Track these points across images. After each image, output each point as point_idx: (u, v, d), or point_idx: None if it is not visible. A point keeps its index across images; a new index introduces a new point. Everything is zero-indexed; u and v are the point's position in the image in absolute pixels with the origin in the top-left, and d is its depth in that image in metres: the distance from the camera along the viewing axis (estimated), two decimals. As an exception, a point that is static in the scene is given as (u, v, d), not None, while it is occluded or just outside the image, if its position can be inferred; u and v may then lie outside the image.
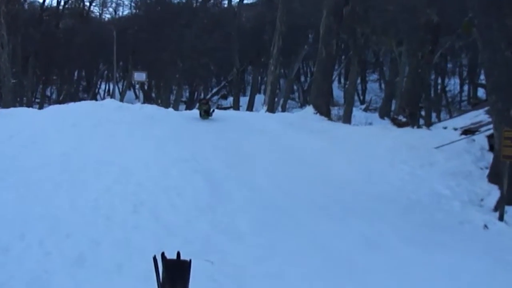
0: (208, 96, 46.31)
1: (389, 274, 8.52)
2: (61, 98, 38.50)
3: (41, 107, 28.23)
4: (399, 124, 18.37)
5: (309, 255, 8.98)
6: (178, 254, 3.12)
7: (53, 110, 16.15)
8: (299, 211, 10.62)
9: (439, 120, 29.81)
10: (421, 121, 24.43)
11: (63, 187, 10.58)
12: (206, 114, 18.08)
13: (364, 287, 8.13)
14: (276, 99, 30.84)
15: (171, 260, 3.09)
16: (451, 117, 29.93)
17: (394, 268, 8.77)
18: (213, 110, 18.73)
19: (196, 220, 9.83)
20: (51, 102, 38.53)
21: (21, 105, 26.87)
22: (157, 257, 3.10)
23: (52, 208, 9.79)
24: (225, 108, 35.82)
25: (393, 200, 11.96)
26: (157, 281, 3.14)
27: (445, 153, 14.51)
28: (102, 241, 8.96)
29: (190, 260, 3.13)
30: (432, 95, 35.33)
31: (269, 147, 14.00)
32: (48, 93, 42.99)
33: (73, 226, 9.30)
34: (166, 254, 3.21)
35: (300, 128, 16.38)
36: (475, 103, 28.30)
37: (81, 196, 10.28)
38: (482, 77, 35.00)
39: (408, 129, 17.52)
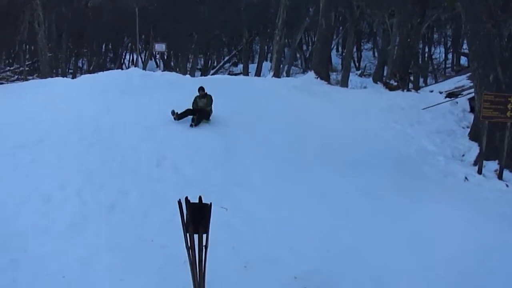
0: (221, 64, 45.68)
1: (382, 219, 8.61)
2: (91, 68, 38.28)
3: (74, 77, 28.15)
4: (391, 88, 18.29)
5: (313, 202, 9.06)
6: (200, 198, 3.16)
7: (84, 79, 16.08)
8: (304, 165, 10.66)
9: (426, 85, 29.50)
10: (410, 85, 24.16)
11: (95, 145, 10.65)
12: (199, 116, 12.59)
13: (360, 230, 8.21)
14: (281, 66, 30.55)
15: (194, 204, 3.13)
16: (436, 82, 29.64)
17: (386, 214, 8.86)
18: (208, 113, 12.84)
19: (212, 172, 9.90)
20: (83, 72, 38.33)
21: (56, 75, 26.81)
22: (181, 201, 3.14)
23: (86, 164, 9.89)
24: (236, 74, 35.58)
25: (385, 155, 11.97)
26: (182, 222, 3.18)
27: (432, 114, 14.46)
28: (130, 191, 9.08)
29: (211, 204, 3.16)
30: (420, 62, 34.85)
31: (276, 108, 13.93)
32: (80, 64, 42.77)
33: (105, 179, 9.40)
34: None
35: (303, 91, 16.25)
36: (458, 70, 28.06)
37: (111, 153, 10.35)
38: (465, 46, 34.58)
39: (398, 92, 17.42)
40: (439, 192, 10.19)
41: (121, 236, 7.90)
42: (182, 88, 14.22)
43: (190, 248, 3.17)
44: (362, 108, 14.75)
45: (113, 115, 12.14)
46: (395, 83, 18.46)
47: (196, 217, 3.14)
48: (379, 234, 8.10)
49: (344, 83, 24.21)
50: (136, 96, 13.44)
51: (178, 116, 12.42)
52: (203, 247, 3.19)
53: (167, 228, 7.91)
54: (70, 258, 7.21)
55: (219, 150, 10.95)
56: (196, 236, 3.17)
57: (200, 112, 12.72)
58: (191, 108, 12.91)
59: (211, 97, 13.18)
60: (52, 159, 10.00)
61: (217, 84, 15.49)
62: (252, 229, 8.09)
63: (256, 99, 14.44)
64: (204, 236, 3.20)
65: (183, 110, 12.59)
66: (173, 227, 7.65)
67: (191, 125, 12.30)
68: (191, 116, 12.64)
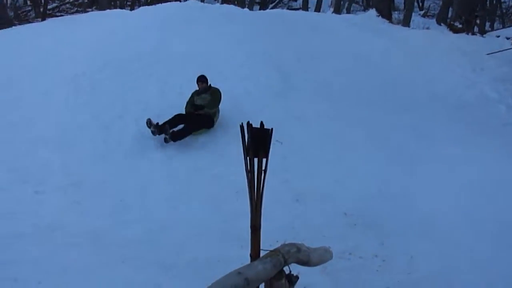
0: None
1: (435, 164, 8.56)
2: (149, 1, 38.45)
3: (132, 9, 28.29)
4: (455, 30, 17.75)
5: (367, 143, 9.10)
6: (262, 123, 3.24)
7: (142, 11, 16.14)
8: (359, 105, 10.58)
9: (493, 29, 28.37)
10: (476, 29, 23.30)
11: (154, 76, 10.81)
12: (195, 123, 8.94)
13: (412, 173, 8.24)
14: (342, 2, 29.83)
15: (256, 128, 3.23)
16: (504, 27, 28.37)
17: (440, 159, 8.79)
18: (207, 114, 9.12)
19: (269, 105, 9.99)
20: (141, 4, 38.51)
21: (115, 7, 26.95)
22: (243, 125, 3.23)
23: (145, 94, 10.14)
24: (295, 9, 34.91)
25: (444, 99, 11.73)
26: (243, 146, 3.29)
27: (496, 60, 13.95)
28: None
29: (272, 129, 3.25)
30: (488, 5, 33.40)
31: (335, 45, 13.67)
32: (137, -4, 43.02)
33: (161, 108, 9.65)
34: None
35: (363, 28, 15.84)
36: (529, 16, 26.77)
37: (169, 84, 10.52)
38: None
39: (463, 35, 16.84)
40: (497, 140, 9.93)
41: (176, 165, 8.23)
42: (240, 22, 14.14)
43: (249, 171, 3.30)
44: (423, 49, 14.34)
45: (171, 47, 12.22)
46: (460, 26, 17.88)
47: (257, 141, 3.24)
48: (431, 178, 8.09)
49: (406, 22, 23.41)
50: (195, 28, 13.45)
51: (159, 129, 8.72)
52: (262, 171, 3.32)
53: (221, 159, 8.19)
54: (127, 184, 7.64)
55: (276, 84, 10.99)
56: (255, 161, 3.29)
57: (195, 118, 9.04)
58: (184, 112, 9.33)
59: (218, 91, 9.40)
60: (111, 87, 10.28)
61: (274, 19, 15.34)
62: (306, 164, 8.26)
63: (314, 35, 14.19)
64: (264, 160, 3.32)
65: (169, 117, 9.04)
66: (227, 158, 7.96)
67: (165, 139, 8.60)
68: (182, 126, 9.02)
